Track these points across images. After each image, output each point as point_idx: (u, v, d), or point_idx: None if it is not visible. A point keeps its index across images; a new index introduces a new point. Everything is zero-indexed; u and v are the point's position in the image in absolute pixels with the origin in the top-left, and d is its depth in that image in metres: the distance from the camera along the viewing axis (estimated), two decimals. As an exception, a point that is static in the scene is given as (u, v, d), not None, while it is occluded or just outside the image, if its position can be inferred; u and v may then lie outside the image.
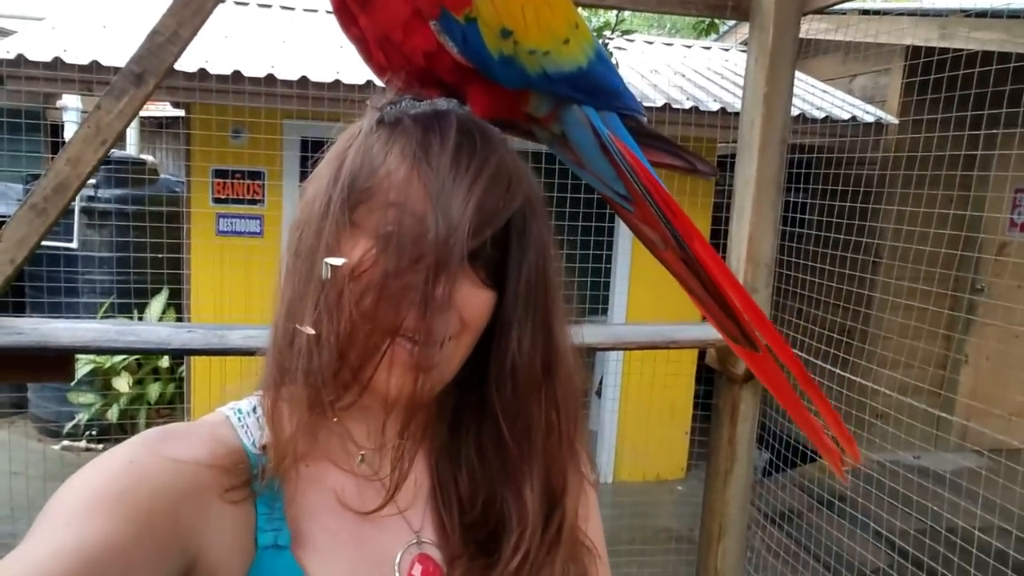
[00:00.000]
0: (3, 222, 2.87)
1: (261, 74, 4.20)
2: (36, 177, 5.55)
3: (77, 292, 5.77)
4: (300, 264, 0.75)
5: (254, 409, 0.79)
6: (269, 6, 6.14)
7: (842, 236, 5.04)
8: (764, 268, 3.46)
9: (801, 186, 5.46)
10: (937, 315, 5.24)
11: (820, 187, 5.23)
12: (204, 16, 2.87)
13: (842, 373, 4.63)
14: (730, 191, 3.70)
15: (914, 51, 5.66)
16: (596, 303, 5.77)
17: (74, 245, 5.68)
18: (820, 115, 5.56)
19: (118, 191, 5.81)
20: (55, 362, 2.54)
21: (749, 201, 3.48)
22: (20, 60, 3.87)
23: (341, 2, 0.87)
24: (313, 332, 0.72)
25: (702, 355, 3.32)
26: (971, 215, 5.27)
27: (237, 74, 4.16)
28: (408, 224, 0.70)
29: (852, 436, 1.05)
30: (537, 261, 0.79)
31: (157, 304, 5.83)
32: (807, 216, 5.24)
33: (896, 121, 5.87)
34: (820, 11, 3.55)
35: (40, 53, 3.94)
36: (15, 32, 5.38)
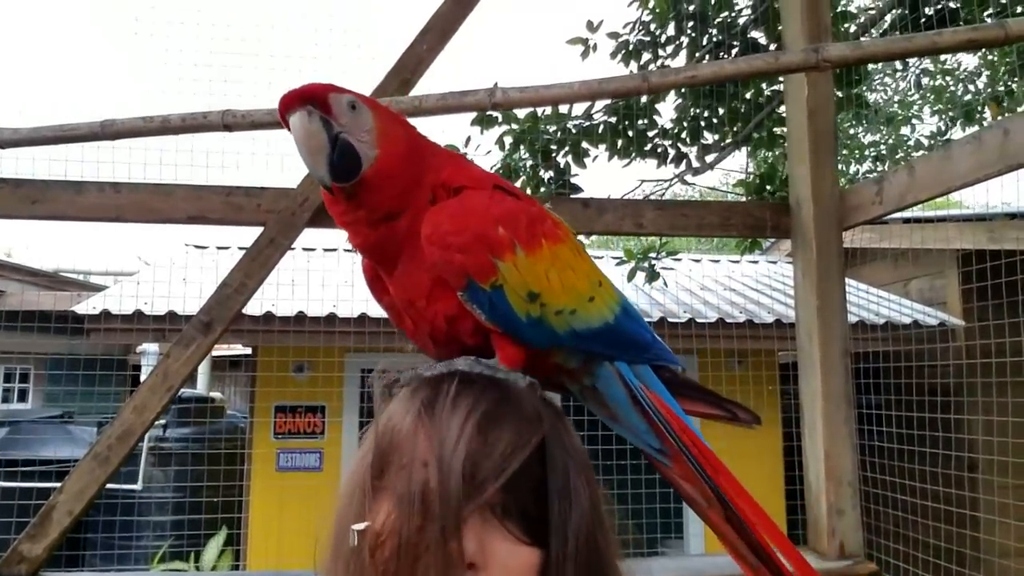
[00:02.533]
0: (70, 467, 2.94)
1: (323, 314, 4.42)
2: (109, 422, 5.73)
3: (136, 537, 5.71)
4: (337, 531, 0.76)
5: None
6: (334, 249, 6.62)
7: (929, 449, 4.70)
8: (848, 487, 3.22)
9: (875, 397, 5.23)
10: (1055, 533, 4.70)
11: (894, 397, 4.99)
12: (269, 269, 3.10)
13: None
14: (797, 403, 3.55)
15: (967, 253, 5.66)
16: (669, 532, 5.38)
17: (138, 487, 5.72)
18: (880, 321, 5.46)
19: (185, 430, 5.94)
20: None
21: (819, 417, 3.33)
22: (103, 315, 4.18)
23: (374, 273, 0.92)
24: None
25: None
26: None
27: (301, 315, 4.39)
28: (416, 479, 0.70)
29: None
30: (586, 520, 0.74)
31: (213, 547, 5.70)
32: (885, 429, 4.95)
33: (962, 323, 5.73)
34: (859, 225, 3.63)
35: (122, 307, 4.26)
36: (106, 287, 5.88)
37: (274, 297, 4.61)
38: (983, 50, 6.94)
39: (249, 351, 6.48)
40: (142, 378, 6.08)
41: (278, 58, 3.36)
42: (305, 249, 6.45)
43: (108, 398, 6.57)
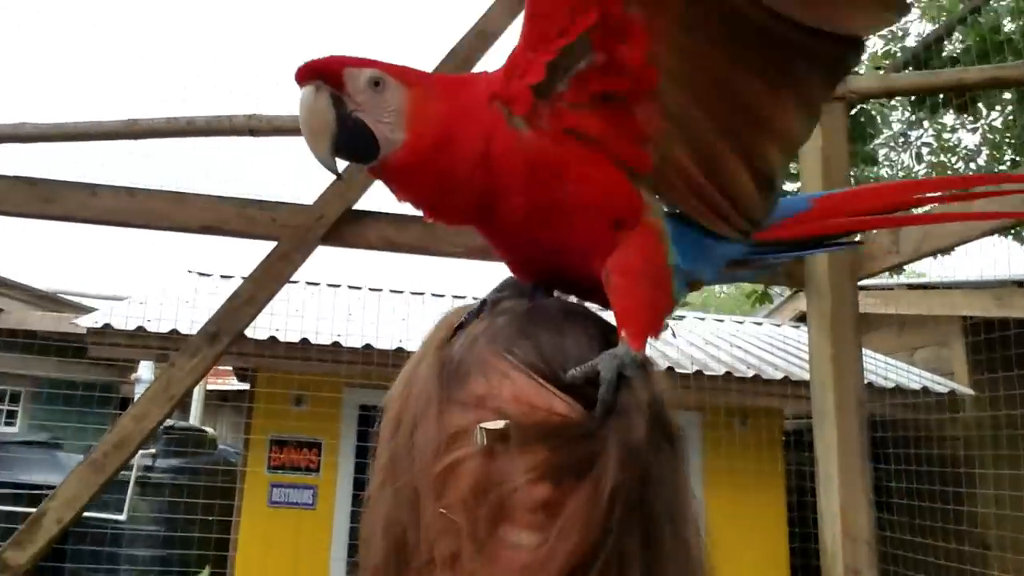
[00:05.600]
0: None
1: (327, 342, 4.36)
2: (98, 447, 5.59)
3: (118, 570, 5.50)
4: (401, 450, 0.69)
5: None
6: (338, 285, 6.60)
7: (941, 524, 4.56)
8: (865, 545, 3.11)
9: (883, 465, 5.12)
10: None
11: (904, 465, 4.88)
12: (281, 283, 3.06)
13: None
14: (800, 471, 3.45)
15: (975, 322, 5.62)
16: None
17: (123, 518, 5.54)
18: (889, 385, 5.40)
19: (175, 461, 5.80)
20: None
21: (835, 469, 3.23)
22: (106, 329, 4.13)
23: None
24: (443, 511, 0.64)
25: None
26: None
27: (305, 342, 4.34)
28: (515, 412, 0.65)
29: None
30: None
31: (196, 584, 5.48)
32: (895, 498, 4.83)
33: (971, 392, 5.66)
34: (875, 274, 3.62)
35: (125, 323, 4.21)
36: (96, 309, 5.82)
37: (278, 323, 4.57)
38: (984, 124, 7.07)
39: (246, 386, 6.38)
40: (135, 406, 5.98)
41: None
42: (309, 283, 6.44)
43: (96, 425, 6.44)
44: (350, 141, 0.74)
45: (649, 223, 0.78)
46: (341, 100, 0.74)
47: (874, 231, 3.39)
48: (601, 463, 0.62)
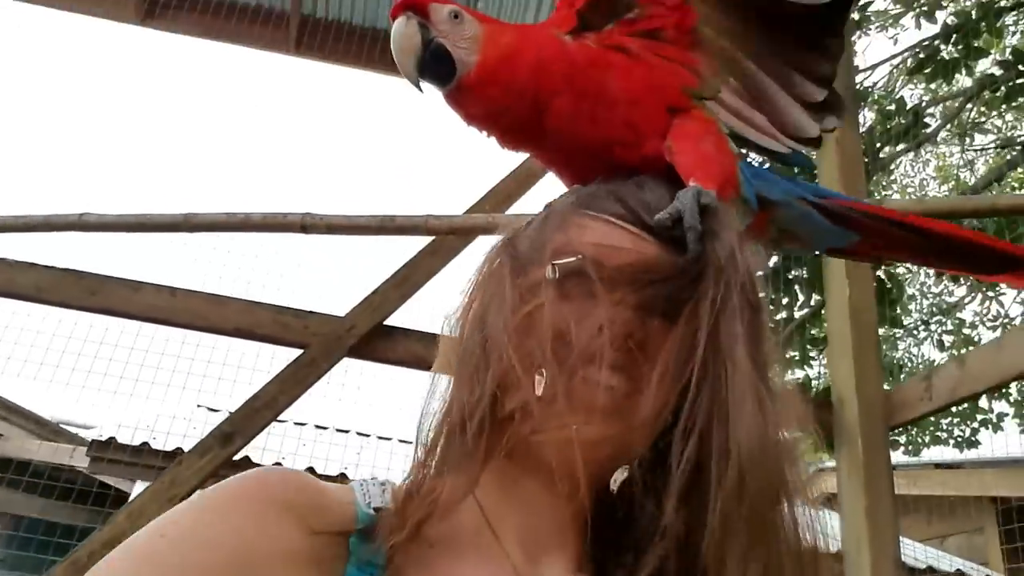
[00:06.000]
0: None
1: (335, 472, 4.21)
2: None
3: None
4: (472, 321, 0.67)
5: (383, 482, 0.69)
6: (347, 431, 6.45)
7: None
8: None
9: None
10: None
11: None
12: (304, 388, 3.01)
13: None
14: None
15: (1006, 506, 5.40)
16: None
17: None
18: (921, 566, 5.09)
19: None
20: None
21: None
22: (110, 442, 4.00)
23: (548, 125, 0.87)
24: (540, 379, 0.60)
25: None
26: None
27: (311, 471, 4.17)
28: (608, 255, 0.63)
29: None
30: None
31: None
32: None
33: (1006, 581, 5.32)
34: (908, 423, 3.52)
35: (130, 438, 4.09)
36: (75, 434, 5.63)
37: (287, 453, 4.42)
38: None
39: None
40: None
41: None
42: (318, 427, 6.30)
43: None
44: (432, 61, 0.86)
45: (704, 112, 0.88)
46: (427, 28, 0.86)
47: (904, 381, 3.37)
48: (700, 291, 0.60)
